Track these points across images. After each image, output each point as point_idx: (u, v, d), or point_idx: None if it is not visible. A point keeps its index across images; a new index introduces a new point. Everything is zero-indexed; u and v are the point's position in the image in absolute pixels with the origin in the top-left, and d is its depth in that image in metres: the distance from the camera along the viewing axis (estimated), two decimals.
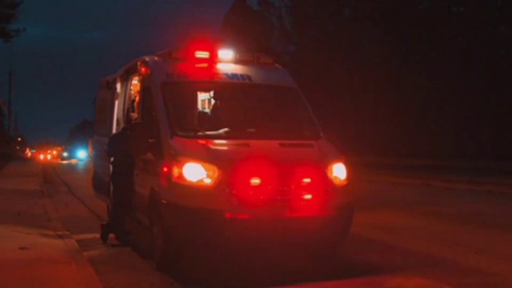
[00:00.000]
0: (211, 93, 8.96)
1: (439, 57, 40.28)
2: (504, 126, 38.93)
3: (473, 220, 11.98)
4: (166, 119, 7.44)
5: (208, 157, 6.93)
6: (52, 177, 28.43)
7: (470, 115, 40.43)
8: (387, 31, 43.02)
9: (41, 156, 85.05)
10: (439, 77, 39.91)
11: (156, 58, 8.42)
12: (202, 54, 8.27)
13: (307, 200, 7.01)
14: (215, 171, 6.76)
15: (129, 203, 8.78)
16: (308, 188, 7.05)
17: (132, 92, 9.82)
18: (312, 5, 48.50)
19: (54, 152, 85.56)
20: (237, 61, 8.46)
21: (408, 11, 42.24)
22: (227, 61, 8.42)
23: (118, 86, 10.23)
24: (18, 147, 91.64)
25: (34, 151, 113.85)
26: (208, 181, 6.77)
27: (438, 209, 14.02)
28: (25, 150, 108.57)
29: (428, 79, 40.55)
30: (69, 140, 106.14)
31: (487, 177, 22.86)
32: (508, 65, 38.06)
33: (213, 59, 8.31)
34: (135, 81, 9.53)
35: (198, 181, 6.80)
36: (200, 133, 7.57)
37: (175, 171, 6.91)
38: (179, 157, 6.99)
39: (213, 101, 8.99)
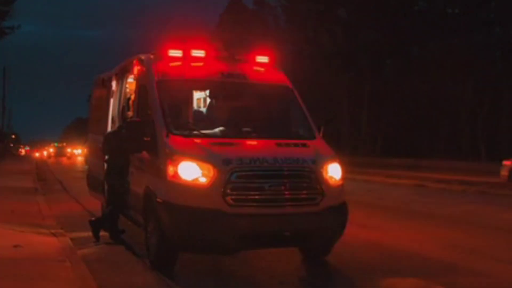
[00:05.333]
0: (207, 91, 8.96)
1: (434, 57, 40.36)
2: (498, 127, 39.06)
3: (467, 221, 12.03)
4: (162, 118, 7.42)
5: (203, 156, 6.92)
6: (46, 175, 28.33)
7: (464, 116, 40.57)
8: (381, 31, 43.09)
9: (44, 153, 77.87)
10: (434, 77, 40.01)
11: (151, 56, 8.39)
12: (198, 53, 8.24)
13: (303, 199, 7.02)
14: (210, 170, 6.75)
15: (124, 202, 8.76)
16: (303, 188, 7.06)
17: (128, 90, 9.80)
18: (307, 5, 48.49)
19: (51, 150, 77.28)
20: (233, 60, 8.43)
21: (403, 12, 42.37)
22: (223, 60, 8.40)
23: (114, 84, 10.20)
24: (12, 145, 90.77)
25: (27, 148, 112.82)
26: (203, 180, 6.76)
27: (432, 209, 14.07)
28: (19, 147, 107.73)
29: (422, 80, 40.65)
30: (63, 137, 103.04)
31: (481, 178, 22.95)
32: (502, 66, 38.21)
33: (209, 58, 8.29)
34: (131, 79, 9.51)
35: (193, 180, 6.78)
36: (195, 132, 7.56)
37: (170, 169, 6.89)
38: (174, 156, 6.98)
39: (208, 100, 8.99)
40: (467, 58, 36.37)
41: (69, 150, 68.14)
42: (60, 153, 70.12)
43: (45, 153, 78.31)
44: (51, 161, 55.64)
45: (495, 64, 39.39)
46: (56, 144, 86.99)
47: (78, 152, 61.95)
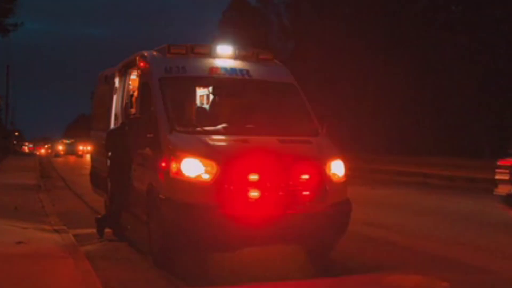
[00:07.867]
0: (210, 88, 8.94)
1: (438, 55, 40.25)
2: (501, 124, 38.95)
3: (471, 218, 12.00)
4: (165, 114, 7.41)
5: (206, 152, 6.91)
6: (49, 172, 28.37)
7: (467, 112, 40.47)
8: (385, 28, 43.01)
9: (60, 148, 68.10)
10: (437, 75, 39.91)
11: (154, 53, 8.39)
12: (201, 50, 8.23)
13: (306, 196, 7.00)
14: (213, 167, 6.74)
15: (127, 198, 8.76)
16: (306, 185, 7.04)
17: (131, 87, 9.78)
18: (310, 2, 48.43)
19: (60, 148, 66.78)
20: (236, 57, 8.41)
21: (408, 9, 42.24)
22: (226, 57, 8.37)
23: (117, 80, 10.19)
24: (15, 142, 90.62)
25: (31, 146, 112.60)
26: (206, 176, 6.74)
27: (436, 206, 14.04)
28: (23, 145, 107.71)
29: (426, 77, 40.55)
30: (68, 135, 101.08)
31: (484, 175, 22.86)
32: (507, 64, 38.06)
33: (212, 55, 8.27)
34: (134, 76, 9.50)
35: (196, 177, 6.77)
36: (198, 129, 7.55)
37: (173, 166, 6.88)
38: (177, 153, 6.97)
39: (211, 97, 8.97)
40: (471, 55, 36.25)
41: (81, 147, 62.39)
42: (70, 150, 63.48)
43: (59, 148, 68.93)
44: (59, 160, 50.67)
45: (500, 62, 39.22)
46: (59, 140, 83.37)
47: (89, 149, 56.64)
